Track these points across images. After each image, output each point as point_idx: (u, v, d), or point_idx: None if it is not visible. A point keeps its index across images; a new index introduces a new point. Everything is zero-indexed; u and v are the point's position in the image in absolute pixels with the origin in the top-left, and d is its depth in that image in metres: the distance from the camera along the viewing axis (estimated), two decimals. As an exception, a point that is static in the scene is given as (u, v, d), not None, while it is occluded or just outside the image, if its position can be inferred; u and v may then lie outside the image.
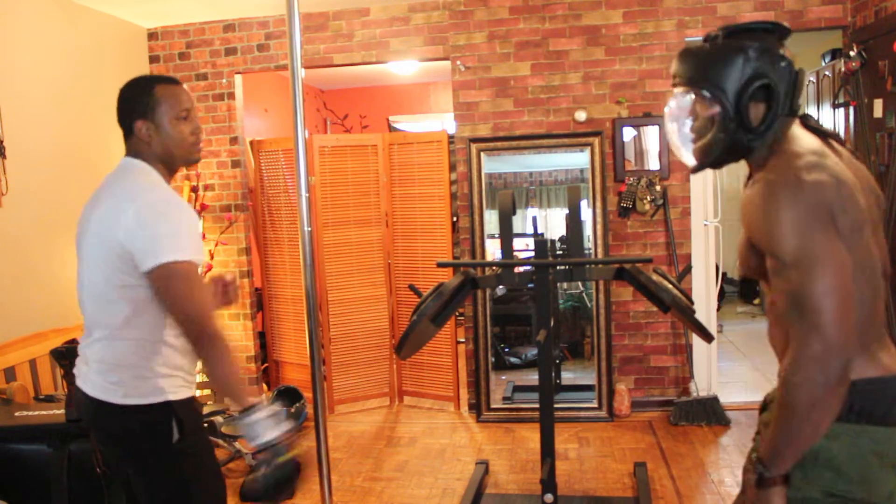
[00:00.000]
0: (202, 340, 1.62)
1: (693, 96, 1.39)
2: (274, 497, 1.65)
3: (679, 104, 1.43)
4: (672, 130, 1.47)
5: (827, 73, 5.22)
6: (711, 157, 1.41)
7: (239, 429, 1.68)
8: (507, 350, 5.26)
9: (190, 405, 1.79)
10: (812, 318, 1.17)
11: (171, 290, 1.62)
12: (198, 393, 1.88)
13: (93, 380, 1.73)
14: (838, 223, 1.21)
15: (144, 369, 1.70)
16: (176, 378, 1.75)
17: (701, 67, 1.37)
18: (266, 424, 1.62)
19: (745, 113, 1.34)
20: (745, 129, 1.34)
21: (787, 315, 1.22)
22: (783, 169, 1.26)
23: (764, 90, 1.33)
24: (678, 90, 1.43)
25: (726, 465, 3.43)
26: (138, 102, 1.80)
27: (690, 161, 1.47)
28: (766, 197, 1.24)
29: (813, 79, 5.58)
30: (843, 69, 3.89)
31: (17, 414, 2.63)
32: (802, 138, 1.33)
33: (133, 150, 1.82)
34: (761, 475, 1.27)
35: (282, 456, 1.63)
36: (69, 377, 2.52)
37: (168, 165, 1.82)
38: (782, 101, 1.33)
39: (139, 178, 1.76)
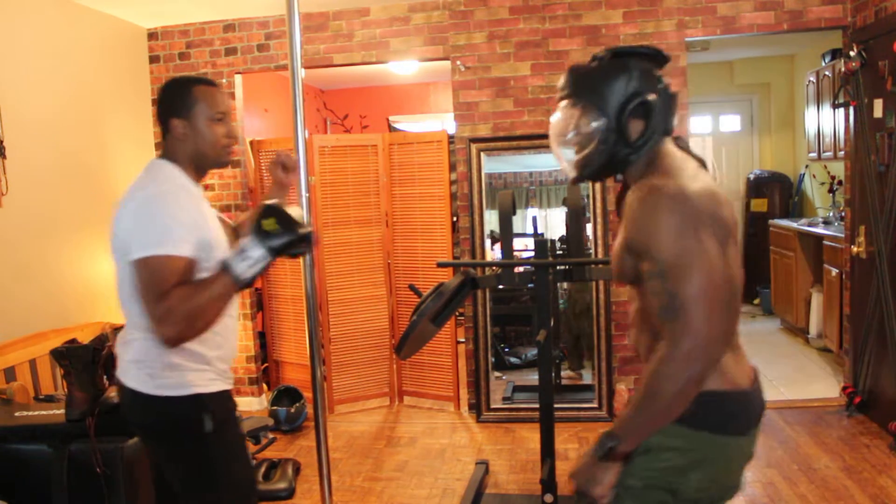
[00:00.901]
0: (165, 341, 1.61)
1: (577, 110, 1.46)
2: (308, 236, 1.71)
3: (564, 116, 1.49)
4: (555, 142, 1.53)
5: (827, 73, 5.23)
6: (591, 169, 1.49)
7: (249, 272, 1.66)
8: (507, 350, 5.26)
9: (221, 398, 1.82)
10: (684, 318, 1.25)
11: (139, 285, 1.64)
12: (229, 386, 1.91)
13: (131, 372, 1.78)
14: (714, 233, 1.30)
15: (172, 364, 1.74)
16: (206, 372, 1.78)
17: (588, 83, 1.45)
18: (243, 250, 1.65)
19: (625, 128, 1.42)
20: (623, 143, 1.43)
21: (661, 315, 1.30)
22: (666, 178, 1.35)
23: (643, 108, 1.42)
24: (563, 103, 1.50)
25: (726, 465, 3.42)
26: (176, 101, 1.82)
27: (571, 172, 1.53)
28: (651, 203, 1.32)
29: (813, 79, 5.58)
30: (843, 69, 3.89)
31: (17, 414, 2.63)
32: (678, 156, 1.44)
33: (166, 149, 1.85)
34: (612, 448, 1.35)
35: (274, 208, 1.67)
36: (69, 377, 2.53)
37: (198, 166, 1.85)
38: (659, 119, 1.43)
39: (152, 174, 1.78)
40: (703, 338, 1.24)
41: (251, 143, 4.78)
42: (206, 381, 1.78)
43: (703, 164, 1.52)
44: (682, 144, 1.50)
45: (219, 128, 1.83)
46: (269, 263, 1.68)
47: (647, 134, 1.43)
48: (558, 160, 1.56)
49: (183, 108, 1.80)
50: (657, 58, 1.49)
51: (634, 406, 1.33)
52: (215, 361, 1.81)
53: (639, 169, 1.46)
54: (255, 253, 1.64)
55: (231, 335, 1.89)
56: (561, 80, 1.53)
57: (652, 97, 1.42)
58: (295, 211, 1.73)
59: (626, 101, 1.41)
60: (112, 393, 2.56)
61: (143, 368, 1.75)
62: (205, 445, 1.76)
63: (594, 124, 1.44)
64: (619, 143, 1.43)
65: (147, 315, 1.63)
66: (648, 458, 1.38)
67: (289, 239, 1.66)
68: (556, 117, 1.52)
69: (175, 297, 1.59)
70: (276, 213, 1.67)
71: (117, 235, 1.74)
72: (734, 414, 1.38)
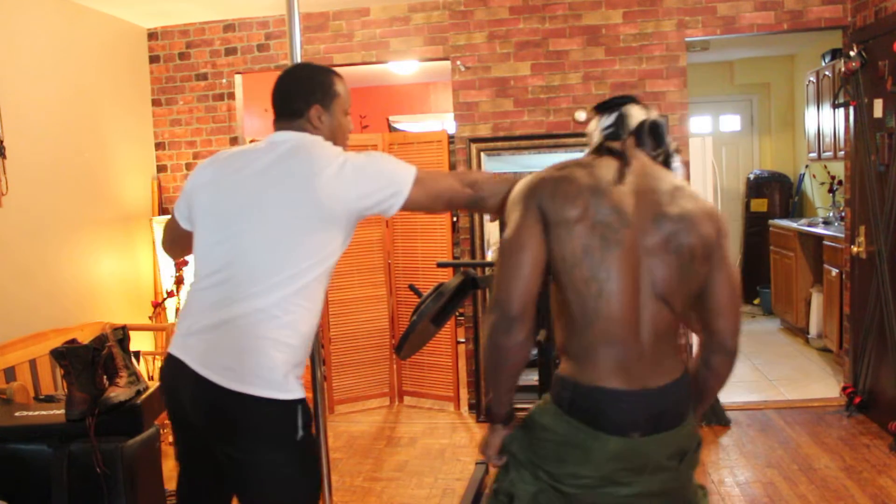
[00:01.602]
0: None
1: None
2: None
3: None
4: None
5: (827, 73, 5.23)
6: None
7: None
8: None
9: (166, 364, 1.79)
10: (495, 291, 1.43)
11: None
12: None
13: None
14: (548, 216, 1.44)
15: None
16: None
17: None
18: None
19: None
20: None
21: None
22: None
23: None
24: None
25: (726, 465, 3.43)
26: (319, 89, 1.84)
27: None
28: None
29: (813, 79, 5.58)
30: (843, 69, 3.89)
31: (17, 414, 2.63)
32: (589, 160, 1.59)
33: (300, 129, 1.82)
34: (488, 409, 1.55)
35: None
36: (69, 377, 2.52)
37: None
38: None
39: (321, 145, 1.82)
40: (504, 309, 1.42)
41: (251, 142, 4.77)
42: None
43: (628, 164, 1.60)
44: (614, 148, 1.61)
45: (347, 121, 1.90)
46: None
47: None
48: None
49: (325, 98, 1.83)
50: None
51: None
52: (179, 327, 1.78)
53: None
54: None
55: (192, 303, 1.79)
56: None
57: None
58: None
59: None
60: (112, 393, 2.56)
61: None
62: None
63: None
64: None
65: None
66: (531, 434, 1.51)
67: None
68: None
69: None
70: None
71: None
72: (598, 410, 1.43)
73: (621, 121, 1.60)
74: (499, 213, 1.79)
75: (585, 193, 1.45)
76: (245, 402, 1.62)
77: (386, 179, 1.71)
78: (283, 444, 1.67)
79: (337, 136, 1.85)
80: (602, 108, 1.64)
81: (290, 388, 1.66)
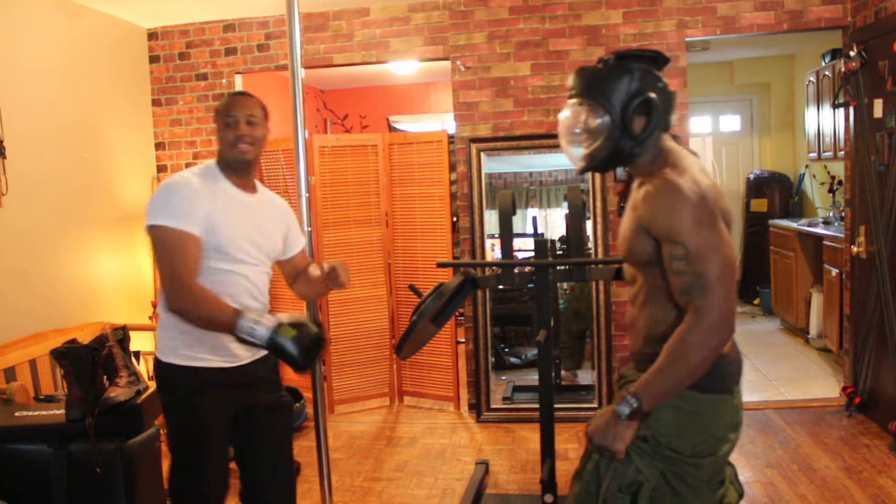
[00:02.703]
0: (166, 301, 1.94)
1: (585, 108, 1.59)
2: (305, 362, 1.88)
3: (572, 114, 1.63)
4: (564, 136, 1.66)
5: (827, 73, 5.23)
6: (597, 161, 1.62)
7: (245, 337, 1.86)
8: (507, 350, 5.26)
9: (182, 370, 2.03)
10: (709, 295, 1.43)
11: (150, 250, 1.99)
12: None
13: None
14: (722, 222, 1.49)
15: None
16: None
17: (594, 83, 1.59)
18: (258, 321, 1.86)
19: (629, 123, 1.55)
20: (628, 138, 1.56)
21: (687, 292, 1.46)
22: (681, 173, 1.50)
23: (645, 105, 1.55)
24: (573, 101, 1.63)
25: (726, 465, 3.42)
26: (216, 110, 2.13)
27: (579, 164, 1.67)
28: (670, 195, 1.47)
29: (813, 79, 5.58)
30: (843, 69, 3.89)
31: (17, 414, 2.63)
32: (681, 152, 1.59)
33: None
34: (635, 408, 1.51)
35: (304, 326, 1.89)
36: (69, 377, 2.52)
37: (226, 165, 2.10)
38: (660, 115, 1.57)
39: None
40: (724, 312, 1.43)
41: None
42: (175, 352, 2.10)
43: (694, 154, 1.67)
44: (679, 140, 1.65)
45: (228, 131, 2.05)
46: (256, 346, 1.89)
47: (649, 129, 1.56)
48: (566, 153, 1.69)
49: (216, 116, 2.11)
50: (657, 59, 1.62)
51: (658, 370, 1.48)
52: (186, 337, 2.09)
53: (645, 162, 1.60)
54: (262, 334, 1.85)
55: None
56: (570, 80, 1.65)
57: (653, 95, 1.55)
58: (315, 340, 1.92)
59: (629, 99, 1.55)
60: (112, 393, 2.56)
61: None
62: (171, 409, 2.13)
63: (600, 120, 1.57)
64: (623, 138, 1.56)
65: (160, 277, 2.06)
66: (652, 418, 1.54)
67: (290, 356, 1.86)
68: (566, 114, 1.65)
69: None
70: (302, 337, 1.87)
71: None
72: (719, 375, 1.56)
73: (669, 103, 1.62)
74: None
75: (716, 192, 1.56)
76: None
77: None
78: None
79: (222, 147, 2.09)
80: (646, 82, 1.58)
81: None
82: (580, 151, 1.64)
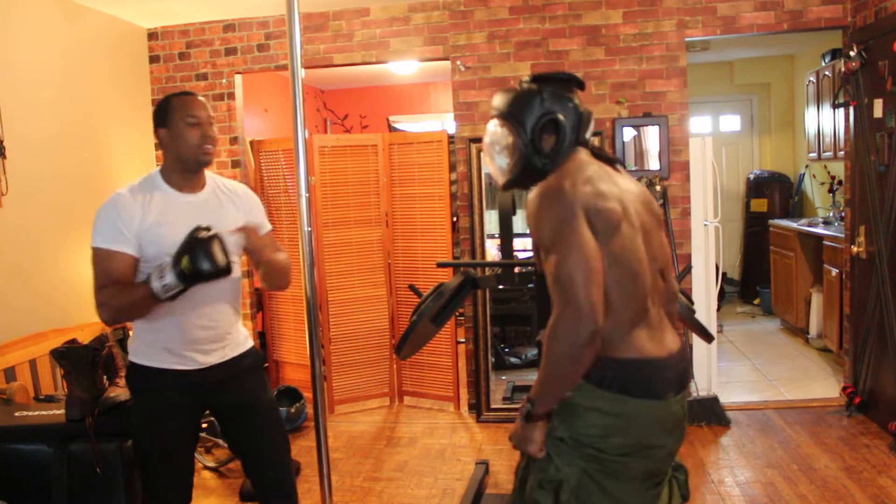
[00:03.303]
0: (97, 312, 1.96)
1: (503, 127, 1.71)
2: (219, 268, 1.89)
3: (493, 132, 1.74)
4: (487, 153, 1.77)
5: (827, 73, 5.23)
6: (513, 177, 1.72)
7: (170, 293, 1.88)
8: (507, 350, 5.26)
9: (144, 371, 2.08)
10: (567, 291, 1.45)
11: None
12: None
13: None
14: (592, 221, 1.52)
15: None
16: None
17: (509, 105, 1.71)
18: (161, 274, 1.87)
19: (538, 142, 1.66)
20: (539, 155, 1.66)
21: (552, 289, 1.50)
22: (552, 180, 1.59)
23: (553, 125, 1.65)
24: (493, 122, 1.75)
25: (726, 465, 3.43)
26: (159, 113, 2.08)
27: (501, 179, 1.76)
28: (537, 200, 1.57)
29: (813, 79, 5.58)
30: (843, 69, 3.89)
31: (17, 414, 2.63)
32: (581, 160, 1.65)
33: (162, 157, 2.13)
34: (529, 411, 1.58)
35: (193, 242, 1.87)
36: (69, 377, 2.52)
37: (183, 168, 2.08)
38: (569, 133, 1.66)
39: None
40: (579, 305, 1.44)
41: (251, 143, 4.78)
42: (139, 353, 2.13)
43: (620, 163, 1.77)
44: (598, 151, 1.72)
45: (193, 131, 2.04)
46: (182, 290, 1.89)
47: (557, 146, 1.66)
48: (490, 169, 1.80)
49: (164, 119, 2.06)
50: (572, 81, 1.73)
51: (540, 371, 1.53)
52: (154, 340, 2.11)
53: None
54: (169, 280, 1.87)
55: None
56: (494, 99, 1.77)
57: (560, 116, 1.65)
58: (221, 244, 1.92)
59: (538, 120, 1.66)
60: (112, 393, 2.56)
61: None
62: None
63: (514, 139, 1.68)
64: (535, 156, 1.67)
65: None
66: (574, 418, 1.57)
67: (196, 279, 1.88)
68: (488, 133, 1.76)
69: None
70: (194, 251, 1.86)
71: None
72: (645, 380, 1.57)
73: (581, 121, 1.70)
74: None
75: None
76: None
77: None
78: None
79: (183, 149, 2.05)
80: (557, 101, 1.68)
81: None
82: (502, 168, 1.73)
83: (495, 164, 1.75)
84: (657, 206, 1.76)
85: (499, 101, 1.75)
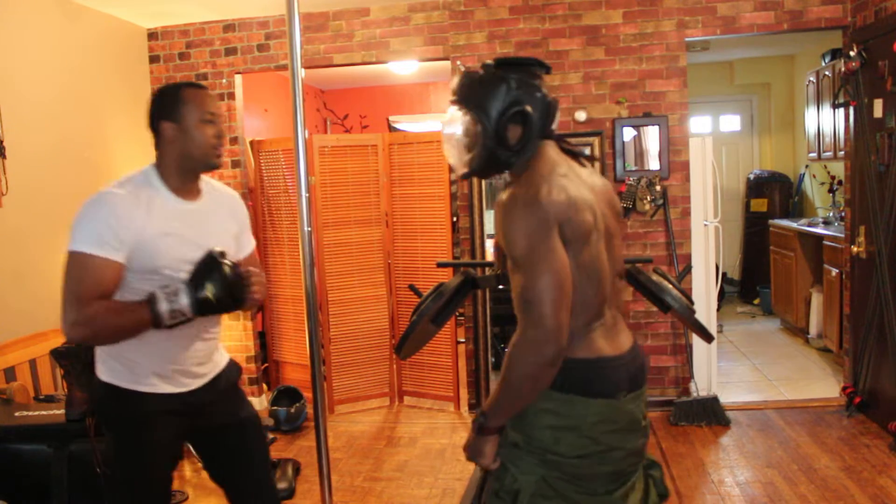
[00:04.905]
0: (64, 327, 1.71)
1: (463, 114, 1.59)
2: (237, 304, 1.76)
3: (452, 119, 1.63)
4: (447, 140, 1.65)
5: (827, 73, 5.23)
6: (474, 167, 1.61)
7: (175, 320, 1.70)
8: (506, 350, 5.26)
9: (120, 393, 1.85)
10: (533, 310, 1.39)
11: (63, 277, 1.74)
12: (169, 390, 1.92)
13: None
14: (564, 233, 1.45)
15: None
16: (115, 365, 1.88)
17: (472, 92, 1.58)
18: (173, 296, 1.69)
19: (503, 133, 1.55)
20: (503, 147, 1.55)
21: (517, 306, 1.44)
22: (527, 187, 1.47)
23: (520, 115, 1.54)
24: (453, 107, 1.63)
25: (726, 465, 3.43)
26: (166, 105, 1.85)
27: (461, 170, 1.65)
28: (509, 208, 1.46)
29: (813, 79, 5.58)
30: (843, 69, 3.89)
31: (17, 414, 2.63)
32: (551, 160, 1.56)
33: (157, 154, 1.90)
34: (482, 424, 1.53)
35: (215, 268, 1.72)
36: (69, 377, 2.52)
37: (186, 169, 1.88)
38: (536, 125, 1.55)
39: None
40: (547, 327, 1.38)
41: (251, 143, 4.77)
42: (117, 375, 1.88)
43: (587, 158, 1.69)
44: (566, 145, 1.64)
45: (208, 129, 1.85)
46: (189, 320, 1.72)
47: (523, 139, 1.55)
48: (448, 158, 1.67)
49: (173, 112, 1.83)
50: (539, 67, 1.61)
51: (497, 386, 1.49)
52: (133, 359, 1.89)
53: (519, 170, 1.58)
54: (182, 306, 1.68)
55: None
56: (452, 83, 1.65)
57: (528, 107, 1.54)
58: (233, 272, 1.75)
59: (504, 110, 1.54)
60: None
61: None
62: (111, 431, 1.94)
63: (477, 128, 1.56)
64: (499, 148, 1.56)
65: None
66: (526, 420, 1.53)
67: (214, 311, 1.73)
68: (446, 119, 1.64)
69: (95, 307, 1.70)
70: (220, 282, 1.71)
71: None
72: (596, 378, 1.53)
73: (548, 111, 1.60)
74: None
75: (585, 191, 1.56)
76: None
77: None
78: None
79: (194, 148, 1.85)
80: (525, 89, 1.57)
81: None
82: (461, 157, 1.62)
83: (455, 154, 1.63)
84: (618, 201, 1.71)
85: (461, 85, 1.62)
